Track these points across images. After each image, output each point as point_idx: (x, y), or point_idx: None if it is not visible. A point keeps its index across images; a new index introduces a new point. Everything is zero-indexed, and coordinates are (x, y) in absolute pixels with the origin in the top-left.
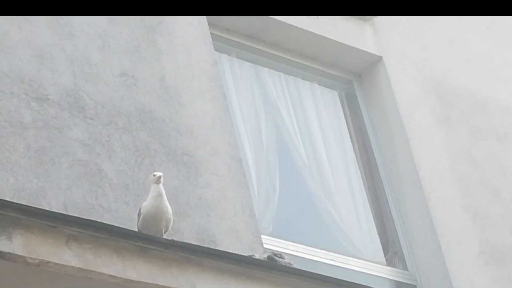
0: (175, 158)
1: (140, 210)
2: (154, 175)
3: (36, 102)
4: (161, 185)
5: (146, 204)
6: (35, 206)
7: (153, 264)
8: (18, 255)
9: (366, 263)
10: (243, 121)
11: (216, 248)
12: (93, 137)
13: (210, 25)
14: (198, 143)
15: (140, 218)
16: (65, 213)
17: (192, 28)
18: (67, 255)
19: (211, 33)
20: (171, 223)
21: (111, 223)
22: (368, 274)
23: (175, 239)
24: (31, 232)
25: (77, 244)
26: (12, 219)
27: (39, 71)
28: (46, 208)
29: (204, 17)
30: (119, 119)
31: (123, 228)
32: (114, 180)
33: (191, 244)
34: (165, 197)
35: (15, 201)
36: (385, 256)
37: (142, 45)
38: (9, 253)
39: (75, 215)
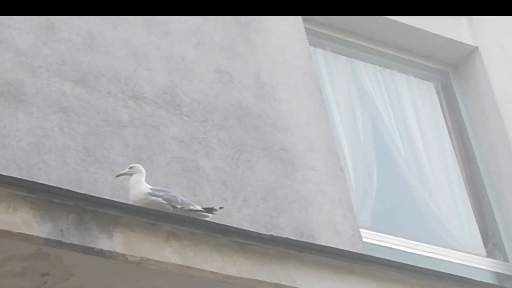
0: (272, 154)
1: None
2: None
3: (132, 100)
4: (142, 176)
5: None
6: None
7: (253, 259)
8: (119, 253)
9: (466, 255)
10: (339, 115)
11: (315, 243)
12: (190, 134)
13: (305, 20)
14: (294, 138)
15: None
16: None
17: (286, 24)
18: (167, 252)
19: (305, 28)
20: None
21: (209, 220)
22: (468, 266)
23: (274, 234)
24: (131, 230)
25: (177, 241)
26: (112, 217)
27: (135, 70)
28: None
29: None
30: (215, 115)
31: (222, 225)
32: (212, 176)
33: (290, 239)
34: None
35: (114, 199)
36: (485, 247)
37: (237, 42)
38: (110, 251)
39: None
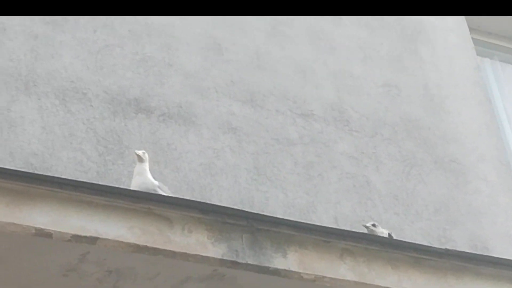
0: (443, 166)
1: None
2: (136, 153)
3: (301, 118)
4: (145, 164)
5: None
6: (306, 221)
7: (429, 274)
8: (294, 272)
9: None
10: (510, 125)
11: (491, 255)
12: (360, 150)
13: (471, 30)
14: (465, 150)
15: None
16: (336, 227)
17: (452, 35)
18: (342, 269)
19: (472, 38)
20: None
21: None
22: None
23: (448, 247)
24: (305, 248)
25: (351, 257)
26: (286, 236)
27: (302, 87)
28: (318, 223)
29: (465, 22)
30: (385, 130)
31: (396, 240)
32: (383, 191)
33: (466, 252)
34: (149, 174)
35: (286, 217)
36: None
37: (404, 55)
38: (285, 270)
39: (347, 229)
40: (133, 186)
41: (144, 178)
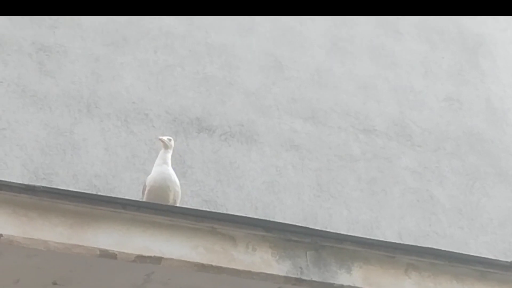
0: (507, 179)
1: (145, 183)
2: (161, 139)
3: (363, 134)
4: (169, 151)
5: (151, 175)
6: (371, 237)
7: (494, 287)
8: None
9: None
10: None
11: None
12: (423, 164)
13: None
14: None
15: (146, 191)
16: (401, 242)
17: None
18: (408, 284)
19: None
20: (179, 197)
21: (447, 249)
22: None
23: None
24: (369, 264)
25: (416, 272)
26: (350, 252)
27: (364, 103)
28: (382, 239)
29: None
30: (447, 144)
31: (461, 253)
32: (447, 205)
33: None
34: (170, 166)
35: (350, 233)
36: None
37: (465, 68)
38: (350, 286)
39: (412, 244)
40: (156, 172)
41: (167, 168)
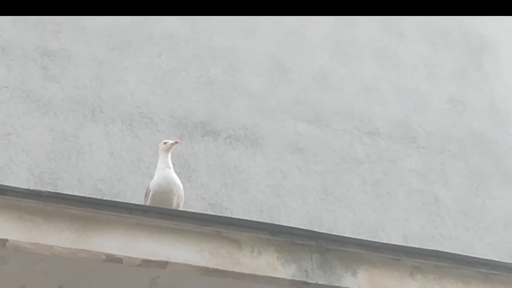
0: (511, 180)
1: (148, 187)
2: (165, 143)
3: (367, 136)
4: (169, 155)
5: (155, 179)
6: (375, 240)
7: None
8: None
9: None
10: None
11: None
12: (427, 166)
13: None
14: None
15: (150, 195)
16: (405, 244)
17: None
18: (413, 287)
19: None
20: (183, 201)
21: (452, 251)
22: None
23: None
24: (375, 267)
25: (421, 275)
26: (356, 255)
27: (368, 105)
28: (386, 241)
29: None
30: (451, 145)
31: (466, 256)
32: (452, 207)
33: None
34: (173, 169)
35: (354, 236)
36: None
37: (468, 70)
38: None
39: (416, 246)
40: (159, 176)
41: (170, 172)
